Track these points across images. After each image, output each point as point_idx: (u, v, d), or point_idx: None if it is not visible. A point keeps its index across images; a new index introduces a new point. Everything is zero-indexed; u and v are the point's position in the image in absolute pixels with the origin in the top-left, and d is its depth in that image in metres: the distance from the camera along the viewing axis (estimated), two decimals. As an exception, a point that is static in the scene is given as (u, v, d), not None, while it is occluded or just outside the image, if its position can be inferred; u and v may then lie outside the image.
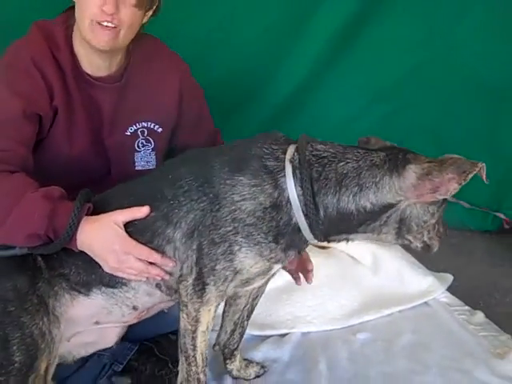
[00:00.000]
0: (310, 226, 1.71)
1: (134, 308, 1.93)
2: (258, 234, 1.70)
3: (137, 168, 2.18)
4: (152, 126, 2.17)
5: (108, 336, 2.03)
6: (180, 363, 1.90)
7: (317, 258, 2.87)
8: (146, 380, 2.14)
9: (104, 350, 2.10)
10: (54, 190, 1.79)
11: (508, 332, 2.63)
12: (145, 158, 2.19)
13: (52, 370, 1.87)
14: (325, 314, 2.68)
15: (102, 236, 1.77)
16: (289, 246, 1.76)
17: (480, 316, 2.76)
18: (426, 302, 2.86)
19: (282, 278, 2.75)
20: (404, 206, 1.67)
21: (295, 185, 1.69)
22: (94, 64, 2.04)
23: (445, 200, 1.70)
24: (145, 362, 2.18)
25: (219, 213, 1.71)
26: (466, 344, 2.53)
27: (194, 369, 1.88)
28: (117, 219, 1.78)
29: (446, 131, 3.63)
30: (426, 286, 2.93)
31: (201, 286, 1.77)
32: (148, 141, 2.18)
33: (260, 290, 2.14)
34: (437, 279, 2.98)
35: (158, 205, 1.80)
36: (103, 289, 1.88)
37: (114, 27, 1.91)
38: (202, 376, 1.90)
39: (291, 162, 1.71)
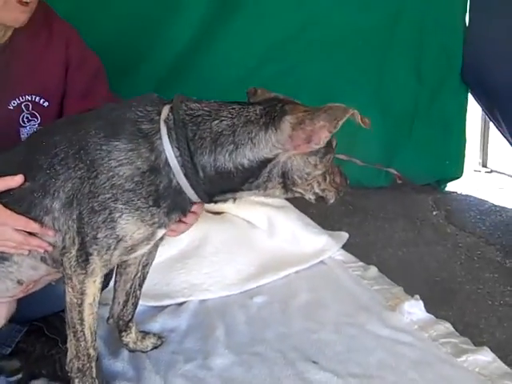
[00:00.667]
0: (192, 186, 1.68)
1: (19, 282, 1.87)
2: (138, 200, 1.65)
3: None
4: (37, 100, 2.06)
5: None
6: (68, 339, 1.84)
7: (211, 224, 2.91)
8: (34, 361, 2.06)
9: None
10: None
11: (400, 284, 2.70)
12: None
13: None
14: (222, 280, 2.67)
15: None
16: (172, 209, 1.72)
17: (373, 270, 2.83)
18: (321, 261, 2.90)
19: (176, 246, 2.76)
20: (283, 159, 1.65)
21: (172, 146, 1.65)
22: None
23: (329, 150, 1.69)
24: (34, 342, 2.09)
25: (97, 180, 1.65)
26: (359, 299, 2.59)
27: (82, 344, 1.83)
28: None
29: (335, 90, 3.67)
30: (321, 245, 2.97)
31: (84, 256, 1.71)
32: (34, 115, 2.06)
33: (150, 257, 2.09)
34: (332, 238, 3.02)
35: (34, 174, 1.72)
36: None
37: (30, 3, 1.83)
38: (91, 351, 1.85)
39: (166, 122, 1.67)
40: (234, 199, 1.79)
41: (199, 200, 1.74)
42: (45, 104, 2.07)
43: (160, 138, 1.65)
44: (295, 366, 2.15)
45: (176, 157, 1.65)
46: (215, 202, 1.78)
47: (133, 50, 3.42)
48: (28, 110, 2.05)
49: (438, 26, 3.81)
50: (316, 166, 1.68)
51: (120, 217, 1.66)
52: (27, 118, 2.06)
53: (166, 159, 1.65)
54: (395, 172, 4.04)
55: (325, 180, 1.75)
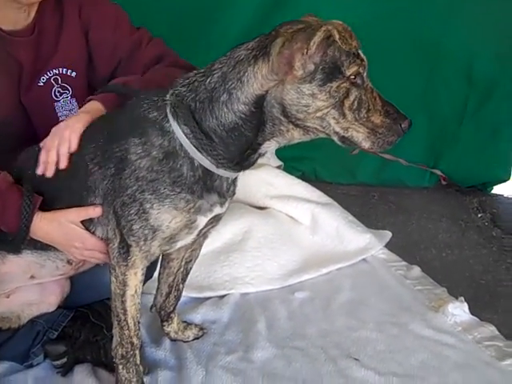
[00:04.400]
0: (214, 160, 1.63)
1: (69, 262, 1.96)
2: (164, 188, 1.65)
3: (61, 119, 2.09)
4: (64, 72, 2.08)
5: (49, 295, 2.06)
6: (113, 327, 1.89)
7: (255, 219, 2.91)
8: (80, 346, 2.09)
9: (39, 316, 2.08)
10: (0, 181, 1.78)
11: (443, 285, 2.67)
12: (66, 107, 2.11)
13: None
14: (263, 275, 2.67)
15: (62, 235, 1.82)
16: (208, 191, 1.70)
17: (416, 271, 2.79)
18: (364, 259, 2.88)
19: (219, 240, 2.77)
20: (276, 93, 1.52)
21: (179, 125, 1.63)
22: (11, 19, 1.95)
23: (333, 76, 1.49)
24: (79, 328, 2.12)
25: (123, 175, 1.69)
26: (402, 298, 2.57)
27: (126, 333, 1.87)
28: (74, 220, 1.80)
29: (382, 88, 3.62)
30: (364, 244, 2.94)
31: (125, 248, 1.76)
32: (65, 88, 2.10)
33: (193, 254, 2.11)
34: (375, 236, 2.99)
35: (77, 174, 1.79)
36: (34, 250, 1.91)
37: None
38: (135, 340, 1.89)
39: (170, 104, 1.65)
40: (260, 155, 1.68)
41: (230, 174, 1.70)
42: (72, 74, 2.10)
43: (168, 121, 1.64)
44: (336, 362, 2.15)
45: (187, 134, 1.62)
46: (244, 169, 1.71)
47: (184, 45, 3.43)
48: (58, 83, 2.09)
49: (492, 29, 3.73)
50: (314, 95, 1.50)
51: (151, 207, 1.67)
52: (59, 91, 2.09)
53: (180, 140, 1.64)
54: (440, 173, 3.99)
55: (343, 116, 1.53)
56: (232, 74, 1.56)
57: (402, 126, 1.56)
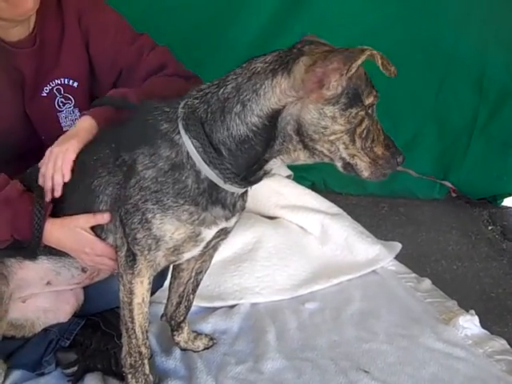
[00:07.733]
0: (222, 174, 1.63)
1: (83, 270, 1.98)
2: (168, 199, 1.66)
3: (65, 129, 2.11)
4: (67, 82, 2.10)
5: (64, 304, 2.08)
6: (122, 336, 1.91)
7: (265, 229, 2.91)
8: (90, 354, 2.10)
9: (53, 325, 2.09)
10: (11, 189, 1.79)
11: (454, 298, 2.66)
12: (70, 117, 2.14)
13: (3, 326, 1.94)
14: (273, 285, 2.67)
15: (73, 240, 1.84)
16: (213, 203, 1.70)
17: (427, 283, 2.79)
18: (374, 271, 2.87)
19: (230, 249, 2.77)
20: (295, 110, 1.52)
21: (190, 137, 1.62)
22: (11, 33, 1.97)
23: (354, 102, 1.50)
24: (90, 336, 2.13)
25: (128, 184, 1.70)
26: (412, 311, 2.56)
27: (134, 341, 1.88)
28: (84, 226, 1.82)
29: (394, 101, 3.62)
30: (374, 255, 2.93)
31: (132, 257, 1.77)
32: (67, 98, 2.12)
33: (204, 265, 2.12)
34: (385, 247, 2.98)
35: (85, 178, 1.81)
36: (49, 256, 1.93)
37: None
38: (143, 349, 1.90)
39: (182, 117, 1.66)
40: (266, 173, 1.68)
41: (236, 189, 1.69)
42: (74, 84, 2.12)
43: (179, 133, 1.65)
44: (347, 374, 2.14)
45: (197, 147, 1.62)
46: (251, 185, 1.72)
47: (194, 54, 3.45)
48: (60, 93, 2.11)
49: (503, 40, 3.73)
50: (334, 118, 1.50)
51: (153, 217, 1.68)
52: (62, 101, 2.12)
53: (188, 153, 1.64)
54: (450, 185, 3.99)
55: (353, 143, 1.55)
56: (247, 86, 1.55)
57: (398, 160, 1.60)
